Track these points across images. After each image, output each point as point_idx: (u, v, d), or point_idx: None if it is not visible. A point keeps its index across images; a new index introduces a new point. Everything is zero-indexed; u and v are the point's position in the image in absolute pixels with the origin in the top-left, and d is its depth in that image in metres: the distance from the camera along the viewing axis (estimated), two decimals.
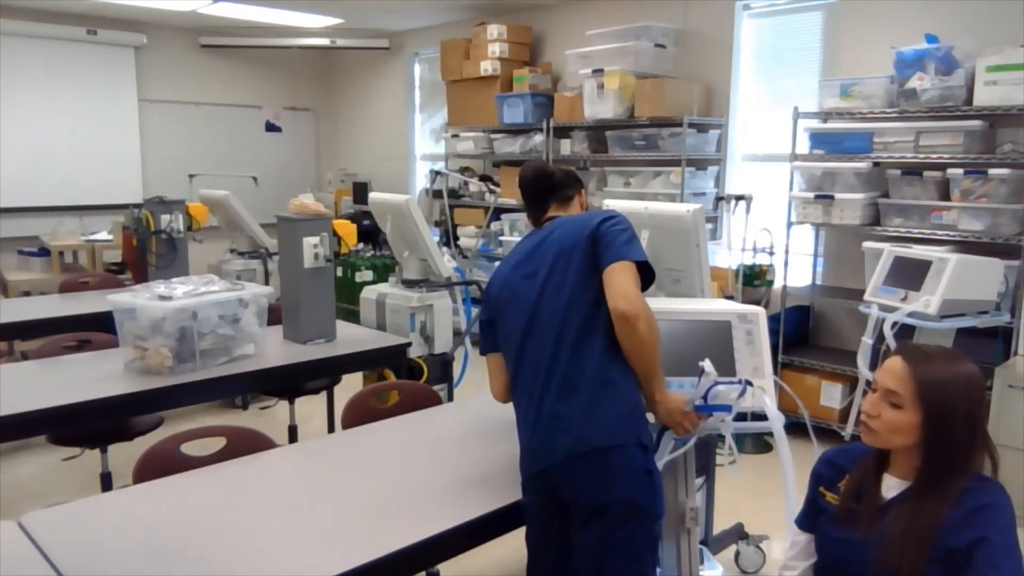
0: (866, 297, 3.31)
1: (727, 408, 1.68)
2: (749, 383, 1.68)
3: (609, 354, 1.74)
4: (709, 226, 4.67)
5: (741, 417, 1.72)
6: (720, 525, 2.89)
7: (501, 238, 5.98)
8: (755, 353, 1.64)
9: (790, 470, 1.60)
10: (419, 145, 7.71)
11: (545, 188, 2.06)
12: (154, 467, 2.04)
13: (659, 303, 1.87)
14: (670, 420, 1.76)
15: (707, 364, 1.65)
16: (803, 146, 4.34)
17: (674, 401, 1.74)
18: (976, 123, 3.74)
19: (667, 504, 1.90)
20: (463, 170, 6.40)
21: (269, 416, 4.48)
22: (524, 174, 2.07)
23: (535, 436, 1.77)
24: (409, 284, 3.58)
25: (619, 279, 1.72)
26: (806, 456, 1.77)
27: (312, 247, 3.14)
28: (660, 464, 1.76)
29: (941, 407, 1.45)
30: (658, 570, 1.83)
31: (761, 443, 4.21)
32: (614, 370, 1.73)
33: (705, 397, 1.68)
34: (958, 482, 1.45)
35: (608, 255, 1.77)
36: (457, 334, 3.66)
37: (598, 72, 5.09)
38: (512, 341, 1.87)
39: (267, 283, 4.76)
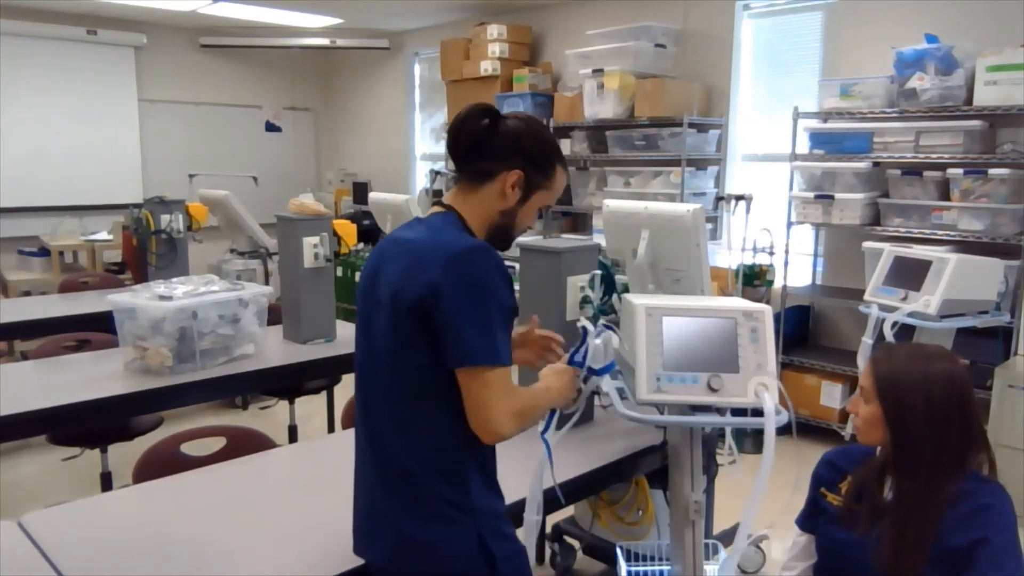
0: (866, 297, 3.31)
1: (611, 366, 1.63)
2: (608, 327, 1.66)
3: (441, 430, 1.39)
4: (709, 226, 4.67)
5: (740, 412, 1.72)
6: (720, 525, 2.89)
7: None
8: (759, 351, 1.64)
9: (767, 468, 1.60)
10: (419, 145, 7.71)
11: (467, 145, 1.44)
12: (154, 467, 2.04)
13: (665, 300, 1.87)
14: (568, 398, 1.59)
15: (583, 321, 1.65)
16: (803, 146, 4.34)
17: (560, 387, 1.55)
18: (976, 123, 3.74)
19: (673, 497, 1.91)
20: None
21: (269, 416, 4.48)
22: (458, 114, 1.46)
23: (358, 516, 1.53)
24: None
25: (473, 397, 1.33)
26: (807, 455, 1.77)
27: (312, 247, 3.14)
28: (558, 437, 1.61)
29: (896, 403, 1.49)
30: (666, 566, 1.83)
31: (761, 443, 4.21)
32: (442, 448, 1.40)
33: (584, 357, 1.62)
34: (940, 480, 1.45)
35: (451, 351, 1.33)
36: None
37: (598, 72, 5.09)
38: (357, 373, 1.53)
39: (267, 283, 4.76)
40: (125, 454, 2.71)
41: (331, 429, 3.69)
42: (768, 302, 4.50)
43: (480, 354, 1.31)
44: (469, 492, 1.39)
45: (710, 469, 2.50)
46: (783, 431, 1.65)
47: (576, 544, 2.93)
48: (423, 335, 1.33)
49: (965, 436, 1.48)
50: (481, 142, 1.43)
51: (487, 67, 5.96)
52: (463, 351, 1.31)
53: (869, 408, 1.53)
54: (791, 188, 4.34)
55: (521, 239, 1.72)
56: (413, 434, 1.39)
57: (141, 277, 4.06)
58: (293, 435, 3.63)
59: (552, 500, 1.73)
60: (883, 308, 3.16)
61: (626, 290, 2.35)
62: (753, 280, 4.47)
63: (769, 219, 4.57)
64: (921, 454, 1.46)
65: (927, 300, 3.04)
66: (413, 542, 1.39)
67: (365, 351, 1.47)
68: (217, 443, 2.19)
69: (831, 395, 4.24)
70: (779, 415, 1.61)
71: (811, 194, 4.23)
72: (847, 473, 1.63)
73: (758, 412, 1.67)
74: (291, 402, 3.64)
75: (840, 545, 1.57)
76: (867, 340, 3.13)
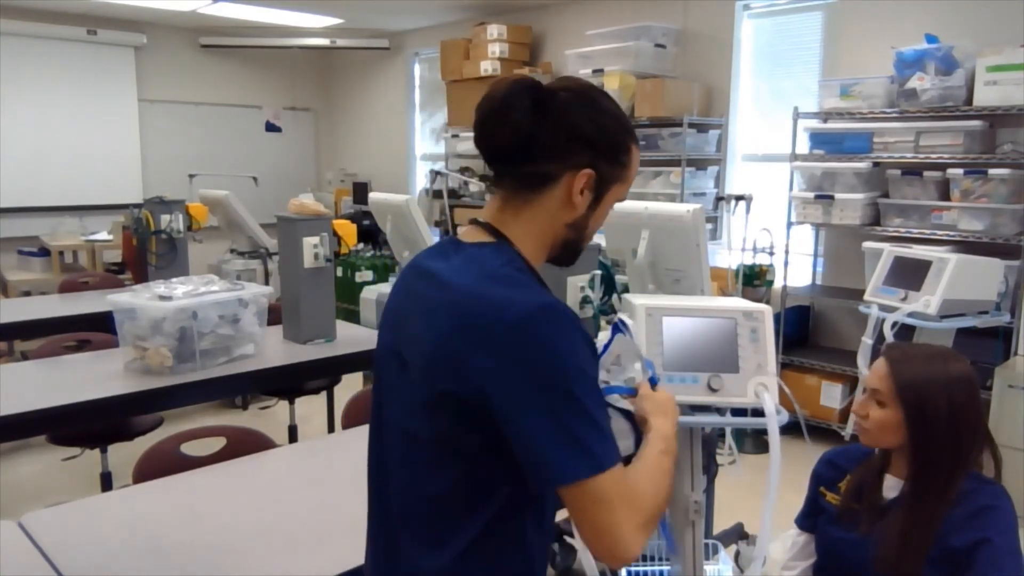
0: (866, 297, 3.31)
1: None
2: (623, 322, 1.57)
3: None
4: (709, 226, 4.67)
5: (741, 412, 1.72)
6: (720, 525, 2.89)
7: None
8: (759, 351, 1.64)
9: (776, 470, 1.60)
10: (419, 145, 7.71)
11: (512, 142, 1.05)
12: (154, 467, 2.04)
13: (665, 300, 1.87)
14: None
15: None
16: (803, 146, 4.34)
17: (672, 427, 1.13)
18: (976, 123, 3.74)
19: (673, 497, 1.91)
20: (463, 170, 6.40)
21: (269, 416, 4.48)
22: (491, 95, 1.09)
23: None
24: None
25: (588, 520, 0.94)
26: (806, 455, 1.77)
27: (312, 247, 3.14)
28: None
29: (919, 405, 1.47)
30: (666, 566, 1.83)
31: (761, 443, 4.21)
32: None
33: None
34: (953, 481, 1.45)
35: (532, 468, 0.95)
36: None
37: (598, 72, 5.09)
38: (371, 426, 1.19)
39: (267, 283, 4.76)
40: (125, 454, 2.71)
41: (331, 429, 3.69)
42: (768, 302, 4.50)
43: (575, 467, 0.92)
44: None
45: (710, 469, 2.51)
46: (783, 430, 1.65)
47: (576, 544, 2.93)
48: (474, 428, 0.98)
49: (977, 436, 1.48)
50: (530, 136, 1.03)
51: (487, 67, 5.96)
52: (549, 468, 0.93)
53: (885, 412, 1.50)
54: (791, 188, 4.34)
55: None
56: (439, 546, 1.02)
57: (141, 277, 4.06)
58: (293, 435, 3.63)
59: None
60: (883, 308, 3.16)
61: (626, 290, 2.35)
62: (753, 280, 4.47)
63: (769, 219, 4.57)
64: (943, 456, 1.46)
65: (927, 300, 3.04)
66: None
67: (381, 412, 1.13)
68: (217, 443, 2.19)
69: (831, 395, 4.24)
70: (779, 414, 1.61)
71: (811, 194, 4.23)
72: (847, 472, 1.64)
73: (758, 412, 1.67)
74: (291, 402, 3.63)
75: (839, 545, 1.57)
76: (867, 340, 3.13)
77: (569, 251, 1.13)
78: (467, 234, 1.10)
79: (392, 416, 1.09)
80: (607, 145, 1.07)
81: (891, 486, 1.55)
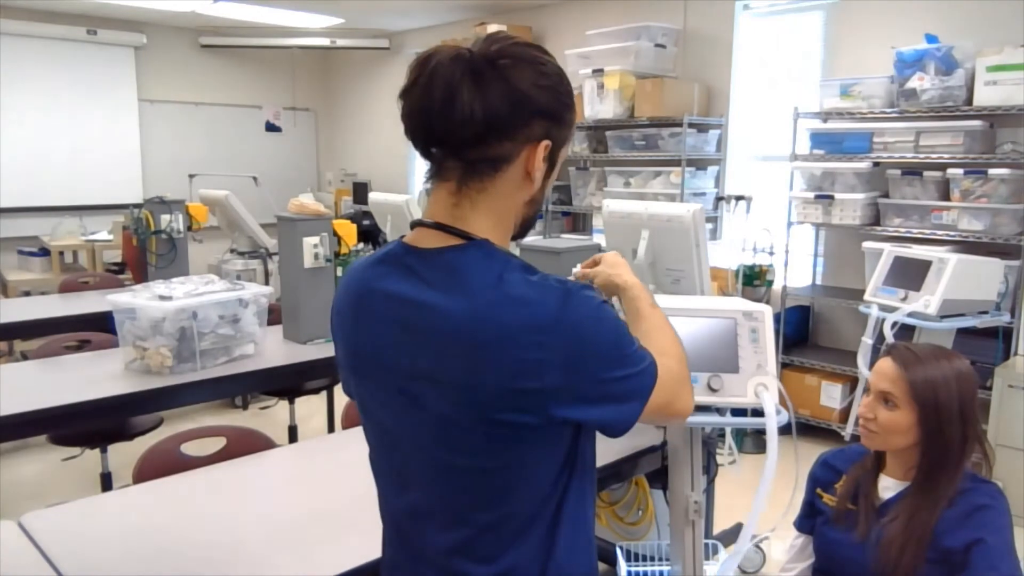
0: (866, 297, 3.31)
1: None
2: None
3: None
4: (709, 226, 4.67)
5: (741, 412, 1.73)
6: (720, 525, 2.90)
7: None
8: (759, 351, 1.64)
9: (771, 470, 1.60)
10: None
11: (453, 133, 0.95)
12: (154, 467, 2.04)
13: (665, 300, 1.87)
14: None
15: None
16: (803, 146, 4.34)
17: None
18: (976, 123, 3.74)
19: (673, 497, 1.91)
20: None
21: (269, 416, 4.48)
22: (429, 74, 0.94)
23: None
24: None
25: (656, 415, 1.05)
26: (808, 454, 1.77)
27: (312, 247, 3.14)
28: None
29: (935, 406, 1.46)
30: (666, 566, 1.83)
31: (761, 443, 4.21)
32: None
33: None
34: (954, 480, 1.46)
35: (612, 423, 1.00)
36: None
37: (598, 72, 5.09)
38: (376, 442, 1.17)
39: (267, 283, 4.76)
40: (125, 454, 2.71)
41: (331, 429, 3.70)
42: (768, 302, 4.51)
43: (639, 407, 1.00)
44: None
45: (710, 469, 2.51)
46: (782, 430, 1.65)
47: None
48: (536, 425, 0.97)
49: (977, 432, 1.49)
50: (483, 119, 0.93)
51: None
52: (620, 422, 1.00)
53: (896, 414, 1.49)
54: (791, 188, 4.34)
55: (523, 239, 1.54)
56: (492, 563, 1.01)
57: (141, 277, 4.07)
58: (293, 435, 3.63)
59: None
60: (883, 308, 3.17)
61: None
62: (753, 280, 4.47)
63: (769, 219, 4.57)
64: (953, 453, 1.46)
65: (927, 300, 3.04)
66: None
67: (393, 444, 1.09)
68: (217, 443, 2.19)
69: (831, 395, 4.24)
70: (779, 415, 1.62)
71: (811, 194, 4.23)
72: (843, 474, 1.64)
73: (758, 412, 1.67)
74: (291, 402, 3.64)
75: (837, 546, 1.57)
76: (867, 340, 3.13)
77: (526, 228, 1.08)
78: (423, 239, 1.02)
79: (420, 456, 1.04)
80: (557, 109, 1.00)
81: (887, 487, 1.55)
